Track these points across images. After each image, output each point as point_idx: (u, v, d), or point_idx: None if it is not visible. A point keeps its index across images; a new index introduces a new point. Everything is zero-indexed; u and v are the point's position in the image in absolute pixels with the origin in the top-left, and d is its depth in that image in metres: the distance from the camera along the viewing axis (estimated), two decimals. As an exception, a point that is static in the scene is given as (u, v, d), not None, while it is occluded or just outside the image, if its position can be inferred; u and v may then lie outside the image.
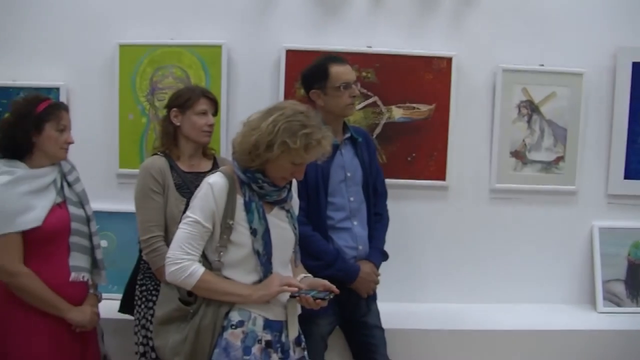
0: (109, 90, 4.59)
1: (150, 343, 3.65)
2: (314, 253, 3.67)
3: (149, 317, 3.68)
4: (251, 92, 4.59)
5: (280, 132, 3.01)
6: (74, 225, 3.52)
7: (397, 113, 4.63)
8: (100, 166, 4.52)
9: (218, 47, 4.53)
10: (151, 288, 3.72)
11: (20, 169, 3.43)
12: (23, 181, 3.40)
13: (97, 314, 3.60)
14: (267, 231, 3.10)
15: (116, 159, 4.60)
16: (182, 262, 3.05)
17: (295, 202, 3.36)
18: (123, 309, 3.98)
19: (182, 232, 3.09)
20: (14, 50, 4.68)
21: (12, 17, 4.68)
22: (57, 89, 4.54)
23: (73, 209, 3.54)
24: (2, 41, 4.70)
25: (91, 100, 4.52)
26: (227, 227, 3.07)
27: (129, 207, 4.30)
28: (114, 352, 3.95)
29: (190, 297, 3.14)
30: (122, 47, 4.55)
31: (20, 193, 3.37)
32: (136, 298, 3.81)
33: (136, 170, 4.19)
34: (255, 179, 3.10)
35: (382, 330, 4.02)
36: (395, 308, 4.45)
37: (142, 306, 3.75)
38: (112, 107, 4.58)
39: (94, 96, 4.56)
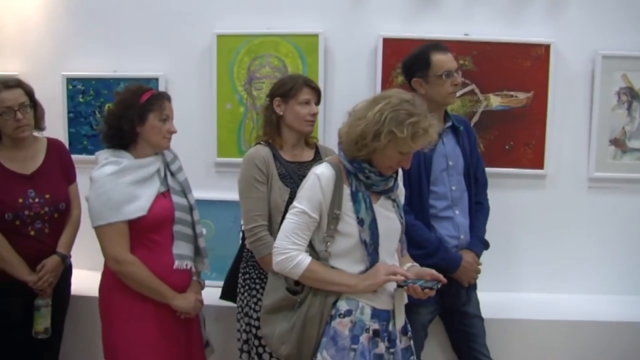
0: (207, 80, 4.66)
1: (253, 331, 3.71)
2: (417, 242, 3.64)
3: (252, 305, 3.72)
4: (348, 81, 4.59)
5: (387, 121, 2.99)
6: (178, 214, 3.59)
7: (495, 101, 4.58)
8: (198, 155, 4.58)
9: (315, 36, 4.54)
10: (254, 276, 3.75)
11: (125, 159, 3.51)
12: (128, 171, 3.47)
13: (201, 301, 3.66)
14: (374, 221, 3.09)
15: (214, 148, 4.66)
16: (289, 252, 3.06)
17: (401, 192, 3.35)
18: (225, 296, 4.03)
19: (289, 222, 3.11)
20: (114, 42, 4.81)
21: (113, 10, 4.80)
22: (157, 80, 4.63)
23: (176, 198, 3.61)
24: (103, 34, 4.83)
25: (189, 90, 4.58)
26: (334, 218, 3.07)
27: (227, 195, 4.38)
28: (215, 338, 4.01)
29: (297, 287, 3.15)
30: (220, 37, 4.60)
31: (126, 183, 3.45)
32: (239, 286, 3.84)
33: (234, 159, 4.26)
34: (362, 168, 3.09)
35: (482, 319, 3.99)
36: (493, 298, 4.40)
37: (245, 294, 3.78)
38: (210, 97, 4.64)
39: (192, 86, 4.63)
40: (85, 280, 4.49)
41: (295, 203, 3.14)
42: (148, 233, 3.49)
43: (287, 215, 3.14)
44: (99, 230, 3.45)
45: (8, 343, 3.91)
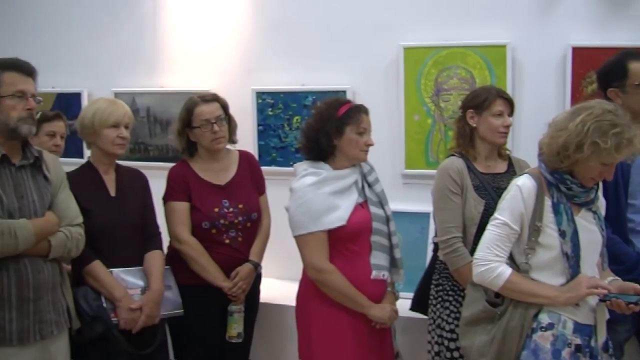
0: (394, 92, 4.70)
1: (445, 343, 3.69)
2: (615, 256, 3.50)
3: (445, 317, 3.71)
4: (536, 92, 4.51)
5: (590, 132, 2.93)
6: (375, 224, 3.62)
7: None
8: (385, 167, 4.61)
9: (503, 47, 4.49)
10: (447, 288, 3.73)
11: (324, 170, 3.58)
12: (328, 182, 3.54)
13: (396, 312, 3.68)
14: (575, 233, 3.04)
15: (402, 160, 4.69)
16: (490, 263, 3.05)
17: (601, 203, 3.27)
18: (415, 307, 4.04)
19: (490, 233, 3.10)
20: (302, 57, 4.96)
21: (300, 25, 4.96)
22: (344, 92, 4.71)
23: (374, 209, 3.64)
24: (291, 48, 4.99)
25: (376, 103, 4.62)
26: (535, 230, 3.04)
27: (415, 207, 4.39)
28: (404, 349, 4.01)
29: (497, 299, 3.13)
30: (407, 49, 4.63)
31: (326, 193, 3.52)
32: (431, 298, 3.84)
33: (421, 171, 4.27)
34: (564, 180, 3.05)
35: (683, 340, 3.83)
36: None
37: (438, 306, 3.77)
38: (398, 109, 4.68)
39: (379, 98, 4.67)
40: (272, 288, 4.64)
41: (496, 214, 3.13)
42: (346, 243, 3.55)
43: (488, 227, 3.13)
44: (300, 239, 3.54)
45: (203, 347, 4.07)
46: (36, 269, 3.30)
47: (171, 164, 4.34)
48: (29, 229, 3.22)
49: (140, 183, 4.04)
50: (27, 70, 3.37)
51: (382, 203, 3.72)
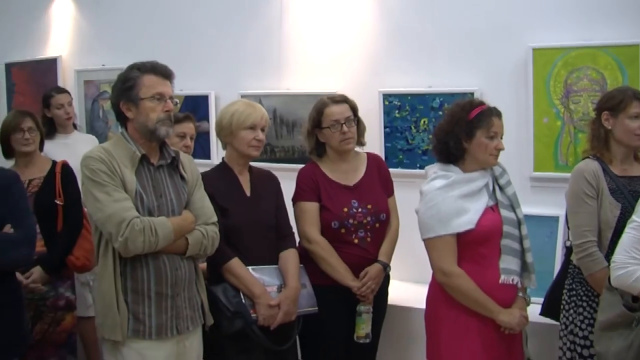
0: (523, 94, 4.63)
1: (578, 349, 3.63)
2: None
3: (578, 323, 3.64)
4: (672, 93, 4.36)
5: None
6: (506, 228, 3.57)
7: None
8: (513, 169, 4.48)
9: (635, 47, 4.36)
10: (581, 293, 3.66)
11: (454, 173, 3.57)
12: (457, 185, 3.53)
13: (526, 318, 3.61)
14: None
15: (530, 163, 4.62)
16: (628, 266, 3.00)
17: None
18: (545, 312, 3.98)
19: (628, 236, 3.04)
20: (428, 58, 4.97)
21: (425, 27, 4.96)
22: (472, 94, 4.67)
23: (505, 212, 3.60)
24: (417, 50, 5.01)
25: (504, 104, 4.49)
26: (676, 232, 2.98)
27: (543, 210, 4.34)
28: (534, 355, 3.93)
29: (635, 303, 3.06)
30: (536, 50, 4.56)
31: (455, 196, 3.50)
32: (563, 303, 3.78)
33: (551, 174, 4.21)
34: None
35: None
36: None
37: (571, 311, 3.71)
38: (526, 111, 4.61)
39: (507, 100, 4.57)
40: (401, 290, 4.64)
41: (634, 217, 3.08)
42: (476, 246, 3.52)
43: (626, 229, 3.08)
44: (428, 242, 3.54)
45: (330, 346, 4.12)
46: (174, 266, 3.43)
47: (297, 165, 4.42)
48: (168, 227, 3.34)
49: (273, 184, 4.13)
50: (165, 73, 3.50)
51: (513, 206, 3.67)
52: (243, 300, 3.74)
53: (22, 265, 3.83)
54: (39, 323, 4.42)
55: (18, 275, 4.11)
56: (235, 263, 3.77)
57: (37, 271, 4.32)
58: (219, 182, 3.88)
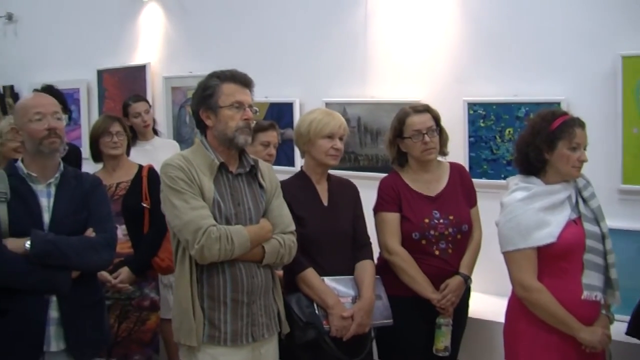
0: (612, 103, 4.48)
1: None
2: None
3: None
4: None
5: None
6: (589, 242, 3.48)
7: None
8: (600, 181, 4.37)
9: None
10: (671, 313, 3.55)
11: (535, 184, 3.50)
12: (538, 197, 3.46)
13: (609, 336, 3.51)
14: None
15: (619, 175, 4.48)
16: None
17: None
18: (632, 332, 3.84)
19: None
20: (514, 67, 4.87)
21: (512, 35, 4.87)
22: (558, 104, 4.55)
23: (588, 226, 3.51)
24: (503, 58, 4.93)
25: (592, 114, 4.41)
26: None
27: (632, 224, 4.22)
28: (618, 376, 3.84)
29: None
30: (626, 58, 4.41)
31: (536, 209, 3.44)
32: (651, 321, 3.67)
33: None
34: None
35: None
36: None
37: (659, 331, 3.60)
38: (615, 121, 4.46)
39: (594, 110, 4.46)
40: (482, 303, 4.57)
41: None
42: (557, 261, 3.44)
43: None
44: (508, 255, 3.48)
45: (408, 358, 4.09)
46: (250, 274, 3.45)
47: (380, 174, 4.40)
48: (244, 235, 3.37)
49: (352, 193, 4.13)
50: (244, 81, 3.52)
51: (597, 220, 3.57)
52: (316, 311, 3.75)
53: (103, 268, 3.91)
54: (125, 322, 4.54)
55: (106, 275, 4.29)
56: (310, 273, 3.78)
57: (124, 272, 4.46)
58: (297, 190, 3.90)
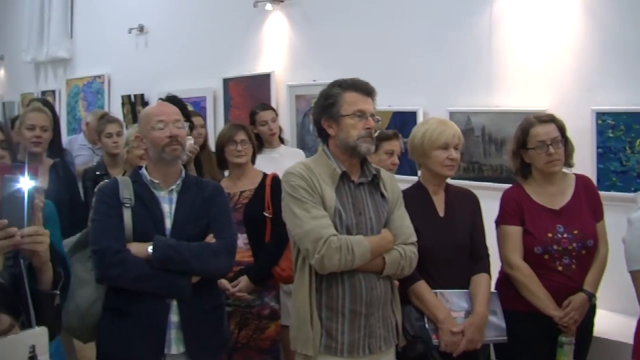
0: None
1: None
2: None
3: None
4: None
5: None
6: None
7: None
8: None
9: None
10: None
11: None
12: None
13: None
14: None
15: None
16: None
17: None
18: None
19: None
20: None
21: (637, 38, 4.68)
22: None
23: None
24: (635, 66, 4.70)
25: None
26: None
27: None
28: None
29: None
30: None
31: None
32: None
33: None
34: None
35: None
36: None
37: None
38: None
39: None
40: (608, 322, 4.40)
41: None
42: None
43: None
44: (635, 275, 3.34)
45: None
46: (369, 285, 3.42)
47: (504, 185, 4.31)
48: (365, 246, 3.34)
49: (471, 204, 4.03)
50: (366, 90, 3.49)
51: None
52: (426, 325, 3.70)
53: (222, 274, 3.95)
54: (245, 329, 4.59)
55: (226, 283, 4.35)
56: (421, 286, 3.73)
57: (243, 280, 4.49)
58: (412, 202, 3.81)
